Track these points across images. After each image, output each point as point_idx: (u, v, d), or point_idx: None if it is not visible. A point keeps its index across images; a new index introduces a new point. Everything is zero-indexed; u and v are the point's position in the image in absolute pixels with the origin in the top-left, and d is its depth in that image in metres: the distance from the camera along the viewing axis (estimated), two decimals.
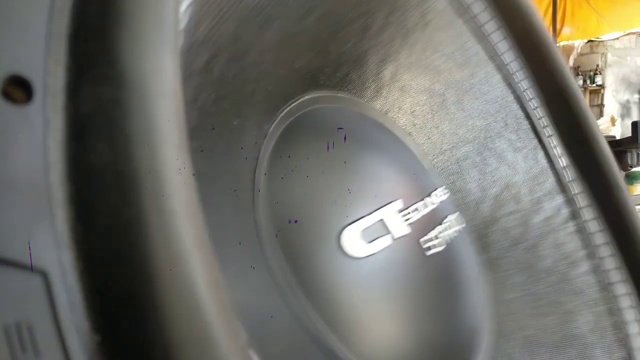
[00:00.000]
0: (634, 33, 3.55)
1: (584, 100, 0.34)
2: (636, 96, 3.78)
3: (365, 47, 0.26)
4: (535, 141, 0.32)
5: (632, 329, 0.28)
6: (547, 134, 0.33)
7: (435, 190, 0.26)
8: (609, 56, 3.68)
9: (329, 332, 0.20)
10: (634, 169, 1.43)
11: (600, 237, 0.31)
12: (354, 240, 0.21)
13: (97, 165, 0.09)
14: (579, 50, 3.74)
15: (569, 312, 0.29)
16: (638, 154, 0.54)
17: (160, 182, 0.09)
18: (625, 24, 3.22)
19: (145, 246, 0.09)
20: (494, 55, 0.31)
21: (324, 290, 0.20)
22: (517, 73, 0.32)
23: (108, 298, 0.09)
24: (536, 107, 0.33)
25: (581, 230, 0.31)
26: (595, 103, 3.74)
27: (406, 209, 0.23)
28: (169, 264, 0.10)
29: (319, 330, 0.19)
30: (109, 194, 0.09)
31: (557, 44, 3.41)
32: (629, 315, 0.29)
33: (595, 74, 3.69)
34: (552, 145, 0.33)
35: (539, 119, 0.33)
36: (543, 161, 0.32)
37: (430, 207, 0.25)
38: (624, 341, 0.28)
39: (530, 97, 0.33)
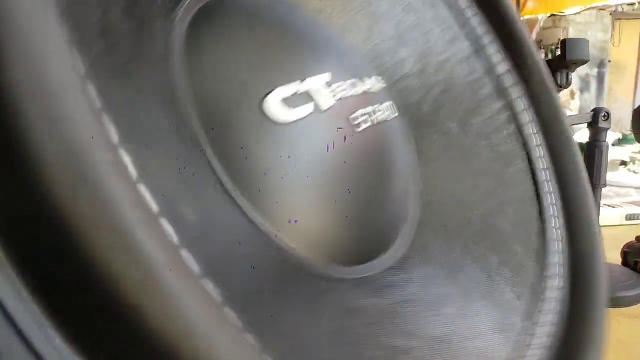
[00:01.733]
0: (594, 8, 3.61)
1: (519, 16, 0.35)
2: (595, 70, 3.88)
3: None
4: (472, 48, 0.32)
5: (550, 223, 0.29)
6: (486, 41, 0.33)
7: (370, 77, 0.26)
8: (571, 30, 3.75)
9: (243, 197, 0.19)
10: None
11: (534, 139, 0.32)
12: (277, 107, 0.20)
13: None
14: (542, 24, 3.80)
15: (495, 207, 0.29)
16: (567, 74, 0.55)
17: None
18: None
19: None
20: None
21: (244, 158, 0.20)
22: None
23: None
24: (474, 15, 0.33)
25: (518, 133, 0.32)
26: None
27: (336, 83, 0.23)
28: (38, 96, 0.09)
29: (231, 190, 0.19)
30: None
31: (521, 18, 3.45)
32: (549, 211, 0.29)
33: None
34: (490, 52, 0.33)
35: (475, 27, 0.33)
36: (481, 69, 0.33)
37: (363, 89, 0.24)
38: (542, 233, 0.28)
39: (467, 5, 0.33)
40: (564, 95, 3.71)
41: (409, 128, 0.30)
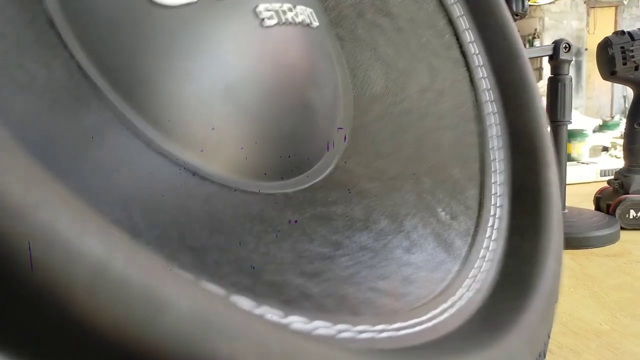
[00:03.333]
0: None
1: None
2: (572, 59, 3.90)
3: None
4: None
5: (489, 145, 0.26)
6: None
7: None
8: (546, 20, 3.77)
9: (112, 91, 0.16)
10: (570, 127, 1.46)
11: (476, 59, 0.29)
12: None
13: None
14: None
15: (431, 131, 0.27)
16: (523, 0, 0.52)
17: None
18: None
19: None
20: None
21: (114, 41, 0.17)
22: None
23: None
24: None
25: (460, 55, 0.29)
26: (535, 67, 3.84)
27: None
28: None
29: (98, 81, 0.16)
30: None
31: None
32: (490, 132, 0.27)
33: (534, 38, 3.78)
34: None
35: None
36: None
37: None
38: (481, 155, 0.26)
39: None
40: (543, 84, 3.73)
41: (339, 49, 0.27)
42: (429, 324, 0.16)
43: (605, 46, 0.57)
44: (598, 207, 0.60)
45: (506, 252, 0.22)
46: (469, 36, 0.29)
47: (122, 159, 0.16)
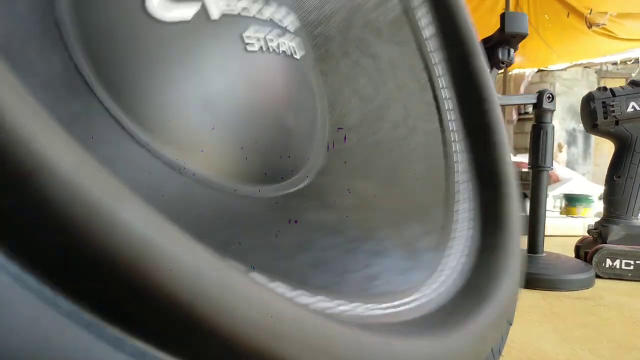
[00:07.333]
0: (579, 65, 3.73)
1: None
2: (582, 125, 3.96)
3: None
4: None
5: (456, 177, 0.29)
6: None
7: (279, 9, 0.26)
8: (557, 85, 3.85)
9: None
10: (577, 192, 1.48)
11: (447, 103, 0.32)
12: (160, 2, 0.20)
13: None
14: (529, 79, 3.91)
15: (403, 157, 0.29)
16: (509, 50, 0.55)
17: None
18: (571, 55, 3.39)
19: None
20: None
21: (118, 55, 0.20)
22: None
23: None
24: None
25: (435, 98, 0.32)
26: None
27: None
28: None
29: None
30: None
31: (509, 72, 3.58)
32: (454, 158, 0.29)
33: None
34: None
35: None
36: None
37: (266, 13, 0.24)
38: (451, 188, 0.28)
39: None
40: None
41: (321, 82, 0.30)
42: (387, 311, 0.18)
43: (587, 100, 0.60)
44: (577, 255, 0.61)
45: (473, 267, 0.24)
46: (442, 82, 0.32)
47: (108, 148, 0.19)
